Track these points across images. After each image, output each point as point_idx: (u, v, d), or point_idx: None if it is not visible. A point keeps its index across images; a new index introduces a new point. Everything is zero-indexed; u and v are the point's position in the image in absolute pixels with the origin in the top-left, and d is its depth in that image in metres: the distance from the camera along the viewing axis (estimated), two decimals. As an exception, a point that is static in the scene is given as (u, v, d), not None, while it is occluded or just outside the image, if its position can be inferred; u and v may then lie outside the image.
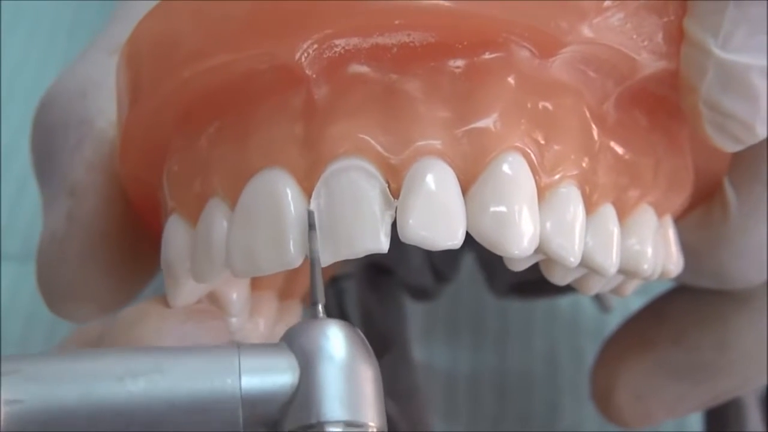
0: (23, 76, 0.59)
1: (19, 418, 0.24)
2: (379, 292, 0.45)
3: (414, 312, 0.49)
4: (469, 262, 0.48)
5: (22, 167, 0.55)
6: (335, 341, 0.26)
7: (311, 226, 0.27)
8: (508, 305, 0.50)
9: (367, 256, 0.45)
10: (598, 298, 0.48)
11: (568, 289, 0.46)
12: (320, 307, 0.27)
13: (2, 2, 0.61)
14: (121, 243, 0.34)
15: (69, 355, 0.25)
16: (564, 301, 0.51)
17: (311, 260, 0.27)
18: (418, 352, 0.48)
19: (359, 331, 0.27)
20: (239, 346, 0.26)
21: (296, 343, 0.26)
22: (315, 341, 0.26)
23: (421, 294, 0.47)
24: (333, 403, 0.25)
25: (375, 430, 0.25)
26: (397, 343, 0.45)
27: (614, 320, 0.44)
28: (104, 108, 0.35)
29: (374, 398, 0.26)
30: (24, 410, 0.24)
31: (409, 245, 0.44)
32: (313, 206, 0.28)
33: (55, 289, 0.34)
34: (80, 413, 0.24)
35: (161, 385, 0.25)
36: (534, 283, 0.45)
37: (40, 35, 0.61)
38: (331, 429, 0.25)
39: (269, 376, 0.25)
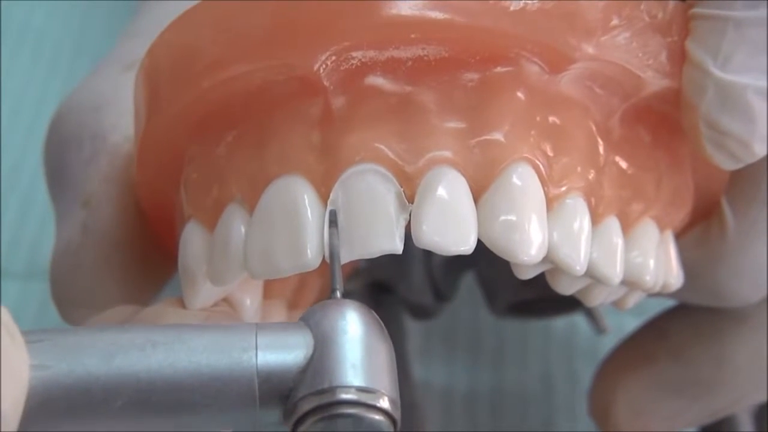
0: (27, 96, 0.60)
1: (45, 382, 0.25)
2: (380, 310, 0.46)
3: (412, 330, 0.50)
4: (466, 282, 0.48)
5: (26, 187, 0.56)
6: (351, 319, 0.26)
7: (332, 223, 0.28)
8: (504, 325, 0.51)
9: (369, 274, 0.46)
10: (593, 319, 0.49)
11: (565, 310, 0.47)
12: (338, 293, 0.28)
13: (6, 26, 0.62)
14: (134, 252, 0.35)
15: (94, 328, 0.27)
16: (559, 322, 0.51)
17: (331, 252, 0.28)
18: (416, 369, 0.49)
19: (374, 313, 0.27)
20: (257, 324, 0.27)
21: (313, 321, 0.27)
22: (331, 319, 0.26)
23: (420, 312, 0.47)
24: (346, 370, 0.25)
25: (387, 397, 0.26)
26: (397, 361, 0.45)
27: (608, 342, 0.44)
28: (117, 122, 0.36)
29: (387, 369, 0.26)
30: (50, 375, 0.25)
31: (411, 264, 0.45)
32: (330, 208, 0.28)
33: (69, 298, 0.35)
34: (102, 378, 0.25)
35: (181, 355, 0.26)
36: (532, 303, 0.46)
37: (44, 57, 0.62)
38: (343, 395, 0.25)
39: (285, 350, 0.26)
